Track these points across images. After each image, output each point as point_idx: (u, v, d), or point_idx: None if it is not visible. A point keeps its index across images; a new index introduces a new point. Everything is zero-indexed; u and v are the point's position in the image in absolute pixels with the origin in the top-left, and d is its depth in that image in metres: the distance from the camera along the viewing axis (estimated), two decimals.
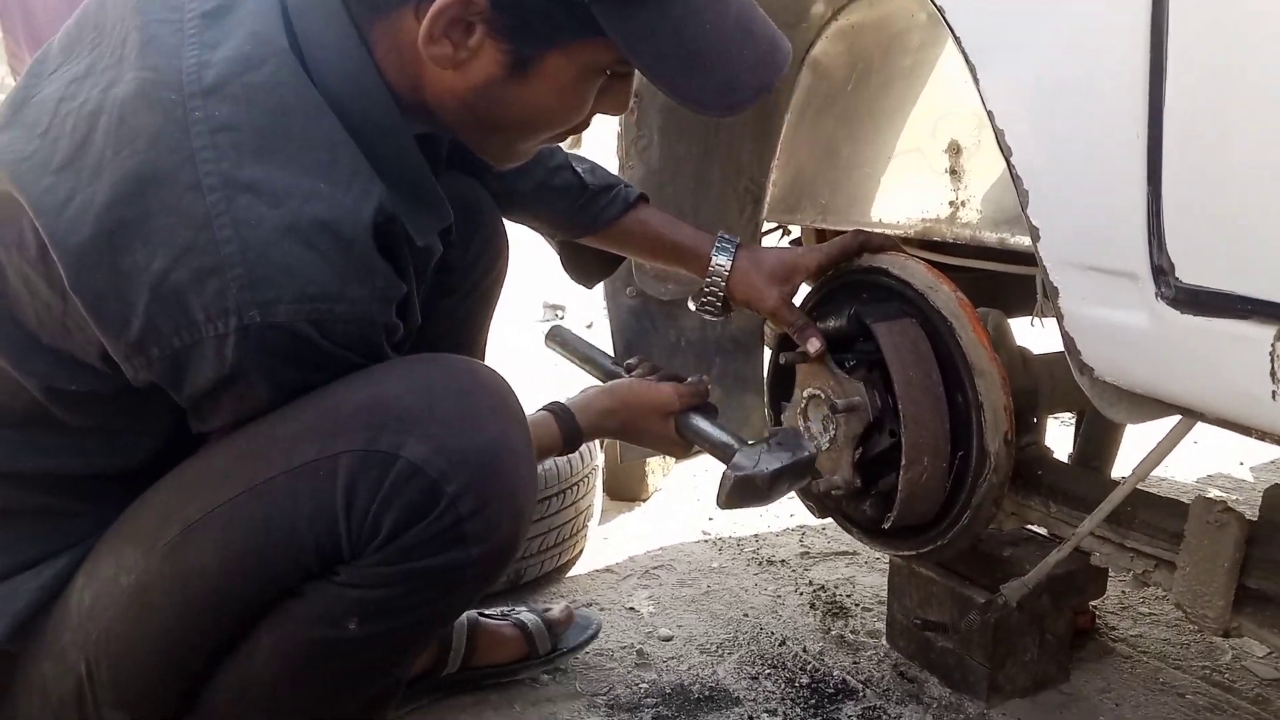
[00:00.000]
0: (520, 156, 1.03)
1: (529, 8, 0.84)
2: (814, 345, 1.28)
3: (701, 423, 1.27)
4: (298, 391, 0.85)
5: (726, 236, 1.33)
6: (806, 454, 1.24)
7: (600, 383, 1.36)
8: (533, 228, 1.42)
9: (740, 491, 1.19)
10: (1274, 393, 0.78)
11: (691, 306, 1.38)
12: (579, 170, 1.34)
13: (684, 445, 1.29)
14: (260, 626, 0.87)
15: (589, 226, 1.37)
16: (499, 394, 0.91)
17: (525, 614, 1.49)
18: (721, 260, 1.30)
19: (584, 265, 1.49)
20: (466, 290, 1.34)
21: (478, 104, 0.90)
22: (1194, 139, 0.78)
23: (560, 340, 1.50)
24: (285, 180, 0.79)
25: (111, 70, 0.82)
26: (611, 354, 1.47)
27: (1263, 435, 0.85)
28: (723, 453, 1.23)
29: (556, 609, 1.51)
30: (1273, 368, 0.77)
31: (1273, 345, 0.77)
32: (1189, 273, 0.82)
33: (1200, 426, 0.99)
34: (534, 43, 0.85)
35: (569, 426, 1.24)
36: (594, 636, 1.51)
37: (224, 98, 0.80)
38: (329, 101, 0.84)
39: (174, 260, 0.77)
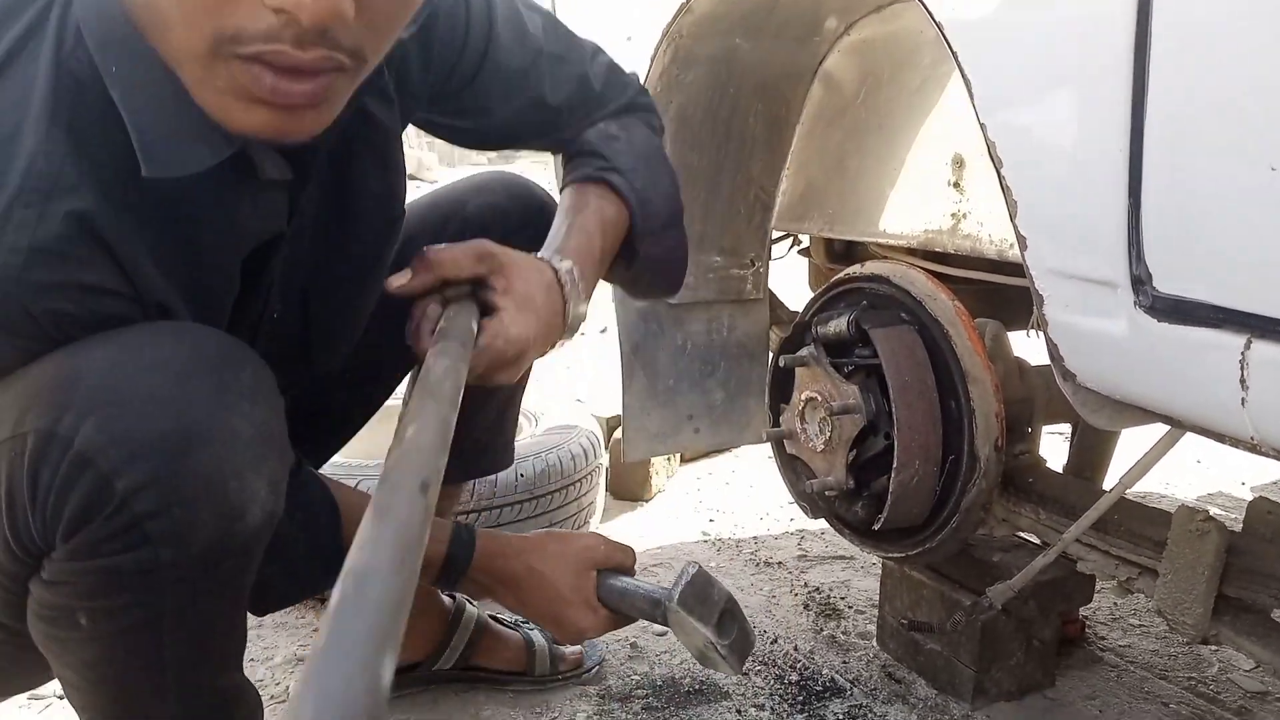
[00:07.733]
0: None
1: None
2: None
3: (624, 581, 1.14)
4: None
5: None
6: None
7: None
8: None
9: (697, 592, 1.07)
10: (1243, 400, 0.81)
11: None
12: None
13: (596, 611, 1.13)
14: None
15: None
16: (228, 372, 0.78)
17: (537, 634, 1.48)
18: None
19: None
20: None
21: None
22: (1170, 156, 0.82)
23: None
24: None
25: None
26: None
27: (1235, 442, 0.88)
28: (652, 608, 1.10)
29: (569, 649, 1.48)
30: (1242, 375, 0.81)
31: (1242, 353, 0.80)
32: (1165, 282, 0.85)
33: (1204, 445, 1.01)
34: None
35: (460, 549, 1.11)
36: (590, 670, 1.48)
37: None
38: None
39: None
